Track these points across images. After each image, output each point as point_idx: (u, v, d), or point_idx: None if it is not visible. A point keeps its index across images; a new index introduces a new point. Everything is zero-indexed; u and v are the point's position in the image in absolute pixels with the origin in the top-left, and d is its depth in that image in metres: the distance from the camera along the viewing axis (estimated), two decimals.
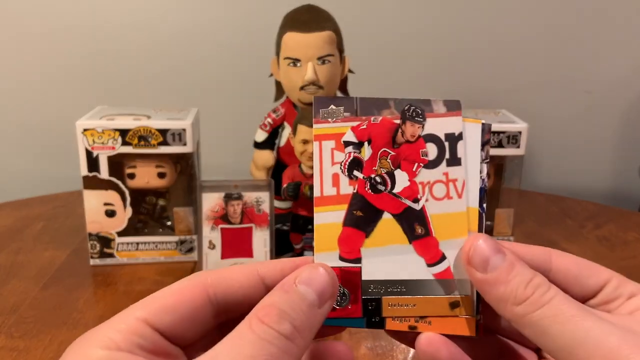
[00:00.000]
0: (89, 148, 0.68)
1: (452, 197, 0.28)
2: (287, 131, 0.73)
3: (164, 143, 0.69)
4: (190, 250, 0.73)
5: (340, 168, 0.28)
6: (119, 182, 0.70)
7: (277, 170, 0.73)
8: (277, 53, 0.69)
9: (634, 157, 1.14)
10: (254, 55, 0.96)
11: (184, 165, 0.72)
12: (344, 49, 0.71)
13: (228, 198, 0.66)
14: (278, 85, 0.73)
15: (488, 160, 0.28)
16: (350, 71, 0.73)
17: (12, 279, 0.67)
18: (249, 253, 0.67)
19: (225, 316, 0.26)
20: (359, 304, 0.27)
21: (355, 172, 0.28)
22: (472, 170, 0.28)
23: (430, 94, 1.04)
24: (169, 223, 0.76)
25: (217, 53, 1.04)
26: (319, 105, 0.28)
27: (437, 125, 0.28)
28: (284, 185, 0.68)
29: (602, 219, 0.89)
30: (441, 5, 1.04)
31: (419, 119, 0.28)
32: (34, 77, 1.03)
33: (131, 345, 0.22)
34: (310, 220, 0.69)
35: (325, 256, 0.27)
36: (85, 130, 0.67)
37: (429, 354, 0.26)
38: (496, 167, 0.75)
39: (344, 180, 0.28)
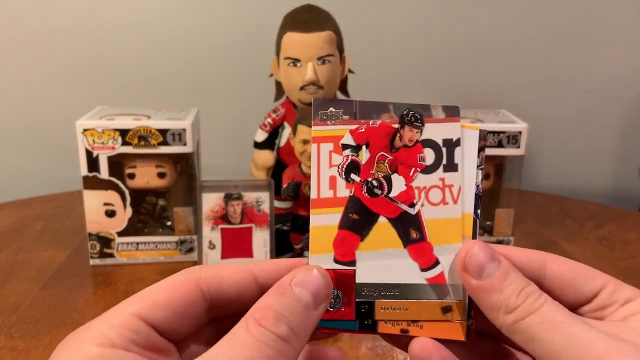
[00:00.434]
0: (89, 148, 0.68)
1: (447, 203, 0.28)
2: (287, 131, 0.73)
3: (164, 143, 0.69)
4: (190, 250, 0.73)
5: (338, 171, 0.28)
6: (119, 182, 0.70)
7: (277, 170, 0.73)
8: (277, 53, 0.69)
9: (634, 157, 1.14)
10: (254, 55, 0.96)
11: (184, 165, 0.72)
12: (344, 49, 0.71)
13: (228, 198, 0.66)
14: (278, 85, 0.73)
15: (483, 166, 0.28)
16: (350, 71, 0.73)
17: (12, 279, 0.67)
18: (249, 253, 0.67)
19: (218, 312, 0.26)
20: (352, 306, 0.27)
21: (353, 175, 0.28)
22: (468, 176, 0.28)
23: (430, 94, 1.05)
24: (169, 223, 0.76)
25: (217, 53, 1.04)
26: (318, 107, 0.28)
27: (436, 130, 0.28)
28: (284, 185, 0.68)
29: (602, 219, 0.89)
30: (441, 5, 1.04)
31: (417, 124, 0.28)
32: (34, 77, 1.03)
33: (125, 340, 0.22)
34: None
35: (320, 258, 0.27)
36: (85, 130, 0.67)
37: (421, 358, 0.27)
38: (496, 167, 0.75)
39: (341, 182, 0.28)
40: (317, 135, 0.28)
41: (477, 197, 0.28)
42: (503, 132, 0.71)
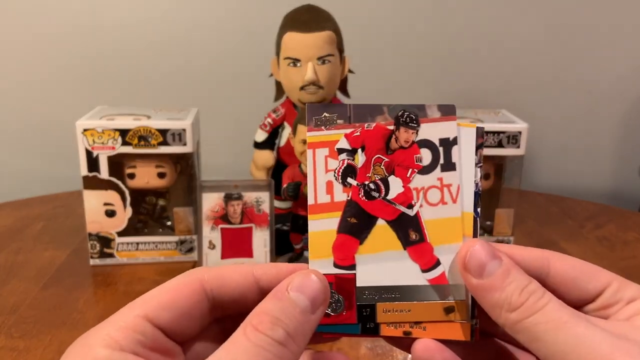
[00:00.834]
0: (89, 148, 0.68)
1: (446, 202, 0.28)
2: (287, 131, 0.73)
3: (164, 143, 0.69)
4: (190, 250, 0.73)
5: (334, 175, 0.28)
6: (119, 182, 0.70)
7: (277, 170, 0.73)
8: (277, 53, 0.69)
9: (634, 157, 1.14)
10: (254, 55, 0.96)
11: (184, 165, 0.72)
12: (344, 49, 0.71)
13: (228, 198, 0.66)
14: (278, 85, 0.73)
15: (481, 164, 0.28)
16: (350, 71, 0.73)
17: (12, 279, 0.67)
18: (249, 253, 0.67)
19: (221, 312, 0.26)
20: (354, 310, 0.27)
21: (349, 179, 0.28)
22: (466, 174, 0.28)
23: (430, 94, 1.05)
24: (169, 223, 0.76)
25: (217, 53, 1.04)
26: (311, 113, 0.28)
27: (432, 130, 0.28)
28: (284, 185, 0.68)
29: (602, 219, 0.89)
30: (441, 5, 1.04)
31: (412, 125, 0.28)
32: (34, 77, 1.03)
33: (132, 342, 0.23)
34: None
35: (319, 263, 0.27)
36: (85, 130, 0.67)
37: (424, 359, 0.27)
38: (496, 167, 0.75)
39: (337, 187, 0.28)
40: (312, 141, 0.28)
41: (477, 195, 0.28)
42: (503, 132, 0.71)
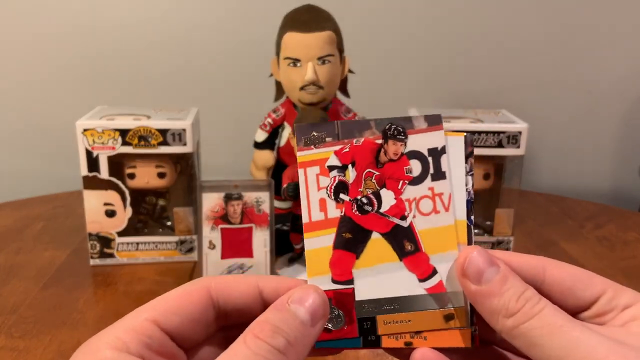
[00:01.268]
0: (89, 148, 0.68)
1: (439, 211, 0.28)
2: (287, 131, 0.73)
3: (164, 143, 0.69)
4: (190, 250, 0.73)
5: (327, 192, 0.28)
6: (119, 182, 0.70)
7: (277, 170, 0.73)
8: (277, 53, 0.69)
9: (634, 157, 1.14)
10: (254, 55, 0.96)
11: (184, 166, 0.72)
12: (344, 49, 0.71)
13: (228, 198, 0.66)
14: (278, 85, 0.73)
15: (472, 172, 0.28)
16: (350, 71, 0.73)
17: (12, 279, 0.67)
18: (249, 253, 0.67)
19: (226, 321, 0.27)
20: (355, 324, 0.27)
21: (342, 195, 0.28)
22: (457, 183, 0.28)
23: (430, 94, 1.05)
24: (169, 223, 0.76)
25: (217, 53, 1.04)
26: (300, 133, 0.28)
27: (419, 141, 0.28)
28: (284, 185, 0.68)
29: (602, 219, 0.89)
30: (441, 5, 1.04)
31: (400, 137, 0.28)
32: (34, 77, 1.03)
33: (139, 345, 0.23)
34: None
35: (318, 280, 0.28)
36: (85, 130, 0.67)
37: None
38: (496, 167, 0.75)
39: (331, 204, 0.28)
40: (303, 160, 0.28)
41: (469, 203, 0.28)
42: (503, 132, 0.71)
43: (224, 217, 0.66)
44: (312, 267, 0.28)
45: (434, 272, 0.28)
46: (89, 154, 0.68)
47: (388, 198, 0.28)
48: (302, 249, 0.71)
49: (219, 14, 1.02)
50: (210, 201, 0.66)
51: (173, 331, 0.25)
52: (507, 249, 0.74)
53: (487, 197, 0.75)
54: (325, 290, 0.26)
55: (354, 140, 0.28)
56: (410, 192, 0.28)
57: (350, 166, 0.28)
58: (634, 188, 1.15)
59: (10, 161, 1.07)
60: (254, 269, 0.67)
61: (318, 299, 0.25)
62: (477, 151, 0.71)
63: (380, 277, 0.28)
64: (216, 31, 1.03)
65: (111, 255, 0.72)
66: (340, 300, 0.27)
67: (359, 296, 0.28)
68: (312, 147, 0.28)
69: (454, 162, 0.28)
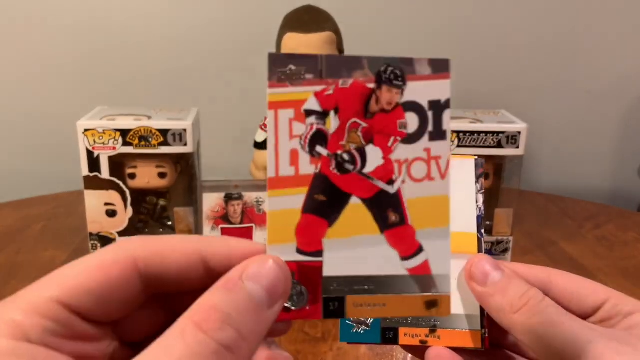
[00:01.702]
0: (90, 148, 0.68)
1: (433, 178, 0.24)
2: None
3: (165, 143, 0.69)
4: None
5: (300, 143, 0.23)
6: (120, 182, 0.70)
7: None
8: None
9: (634, 157, 1.14)
10: (254, 55, 0.96)
11: (185, 166, 0.72)
12: (344, 49, 0.71)
13: (228, 198, 0.66)
14: None
15: (483, 190, 0.29)
16: None
17: (12, 280, 0.67)
18: None
19: (159, 290, 0.23)
20: (319, 304, 0.23)
21: (319, 148, 0.23)
22: (468, 200, 0.29)
23: None
24: (169, 223, 0.76)
25: (217, 53, 1.04)
26: (274, 64, 0.23)
27: (420, 90, 0.23)
28: None
29: (602, 219, 0.89)
30: (441, 6, 1.04)
31: (397, 83, 0.23)
32: (34, 77, 1.03)
33: (42, 332, 0.19)
34: None
35: (280, 248, 0.23)
36: (86, 130, 0.67)
37: None
38: (495, 167, 0.75)
39: (304, 157, 0.23)
40: (274, 100, 0.23)
41: (480, 218, 0.29)
42: (502, 132, 0.71)
43: (225, 217, 0.66)
44: (274, 233, 0.23)
45: (420, 249, 0.24)
46: (89, 154, 0.68)
47: (374, 157, 0.24)
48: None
49: (219, 14, 1.02)
50: (211, 201, 0.66)
51: (85, 312, 0.20)
52: (507, 249, 0.75)
53: (486, 197, 0.75)
54: (287, 262, 0.22)
55: (340, 81, 0.23)
56: (402, 151, 0.24)
57: (332, 113, 0.23)
58: (633, 188, 1.15)
59: (10, 161, 1.07)
60: None
61: (278, 274, 0.21)
62: (477, 151, 0.71)
63: (355, 250, 0.24)
64: (216, 31, 1.03)
65: None
66: (305, 275, 0.23)
67: (328, 271, 0.23)
68: (287, 83, 0.23)
69: (465, 182, 0.29)
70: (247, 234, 0.67)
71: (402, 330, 0.28)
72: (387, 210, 0.24)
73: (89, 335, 0.21)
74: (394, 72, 0.23)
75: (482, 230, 0.29)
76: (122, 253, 0.21)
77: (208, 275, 0.22)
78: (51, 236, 0.80)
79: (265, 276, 0.21)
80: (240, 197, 0.66)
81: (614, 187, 1.15)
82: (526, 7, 1.04)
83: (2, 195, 1.00)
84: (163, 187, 0.73)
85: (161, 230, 0.75)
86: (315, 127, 0.23)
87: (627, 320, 0.26)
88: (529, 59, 1.07)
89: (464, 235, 0.29)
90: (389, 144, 0.24)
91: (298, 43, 0.66)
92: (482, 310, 0.28)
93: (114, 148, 0.68)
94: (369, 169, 0.24)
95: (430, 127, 0.24)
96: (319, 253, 0.24)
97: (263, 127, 0.74)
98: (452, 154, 0.26)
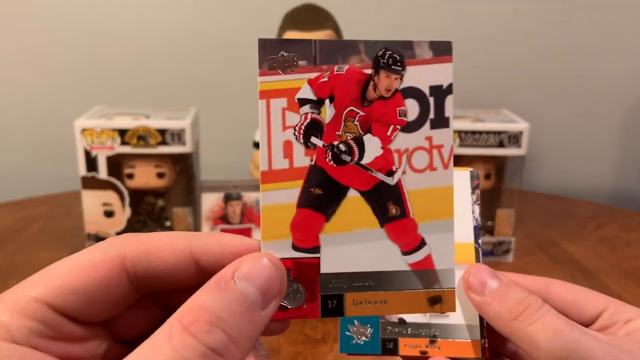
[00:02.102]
0: (88, 148, 0.67)
1: (435, 168, 0.23)
2: None
3: (163, 143, 0.68)
4: None
5: (294, 134, 0.22)
6: (118, 182, 0.69)
7: None
8: None
9: (636, 157, 1.13)
10: (254, 54, 0.96)
11: (183, 166, 0.72)
12: None
13: (227, 198, 0.66)
14: None
15: (479, 202, 0.29)
16: None
17: (10, 280, 0.67)
18: None
19: (150, 289, 0.22)
20: (317, 302, 0.22)
21: (314, 139, 0.22)
22: (464, 210, 0.28)
23: None
24: (168, 223, 0.75)
25: (216, 52, 1.03)
26: (265, 50, 0.22)
27: (421, 75, 0.22)
28: None
29: (604, 220, 0.88)
30: (441, 4, 1.03)
31: (396, 68, 0.22)
32: (32, 77, 1.03)
33: (28, 333, 0.19)
34: None
35: (274, 245, 0.22)
36: (83, 130, 0.67)
37: None
38: (497, 167, 0.75)
39: (298, 149, 0.22)
40: (266, 89, 0.22)
41: (476, 229, 0.29)
42: (504, 132, 0.71)
43: (224, 218, 0.66)
44: (268, 229, 0.22)
45: (422, 243, 0.23)
46: (87, 154, 0.67)
47: (373, 147, 0.23)
48: None
49: (219, 13, 1.02)
50: (210, 201, 0.65)
51: (72, 312, 0.20)
52: (508, 250, 0.74)
53: (488, 198, 0.75)
54: (282, 259, 0.21)
55: (336, 68, 0.22)
56: (402, 141, 0.23)
57: (327, 101, 0.22)
58: (636, 188, 1.14)
59: (8, 161, 1.07)
60: None
61: (273, 273, 0.20)
62: (478, 151, 0.71)
63: (354, 246, 0.23)
64: (216, 30, 1.03)
65: None
66: (302, 272, 0.22)
67: (326, 268, 0.22)
68: (279, 71, 0.22)
69: (461, 194, 0.28)
70: (246, 234, 0.66)
71: (402, 341, 0.27)
72: (387, 203, 0.23)
73: (77, 335, 0.20)
74: (392, 57, 0.22)
75: (480, 241, 0.29)
76: (109, 252, 0.21)
77: (200, 273, 0.21)
78: (49, 236, 0.79)
79: (259, 275, 0.20)
80: (239, 198, 0.66)
81: (617, 187, 1.15)
82: (528, 5, 1.04)
83: (0, 195, 0.99)
84: (161, 187, 0.73)
85: (160, 230, 0.74)
86: (309, 116, 0.22)
87: (627, 327, 0.26)
88: (531, 58, 1.07)
89: (462, 245, 0.28)
90: (388, 133, 0.23)
91: None
92: (481, 320, 0.28)
93: (112, 148, 0.68)
94: (367, 159, 0.23)
95: (431, 114, 0.23)
96: (316, 249, 0.23)
97: None
98: None
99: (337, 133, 0.22)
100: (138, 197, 0.73)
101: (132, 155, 0.69)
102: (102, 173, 0.68)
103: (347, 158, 0.23)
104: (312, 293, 0.22)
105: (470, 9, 1.04)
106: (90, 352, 0.21)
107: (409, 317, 0.28)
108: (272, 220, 0.22)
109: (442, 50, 0.22)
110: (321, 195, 0.22)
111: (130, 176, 0.70)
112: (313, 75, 0.22)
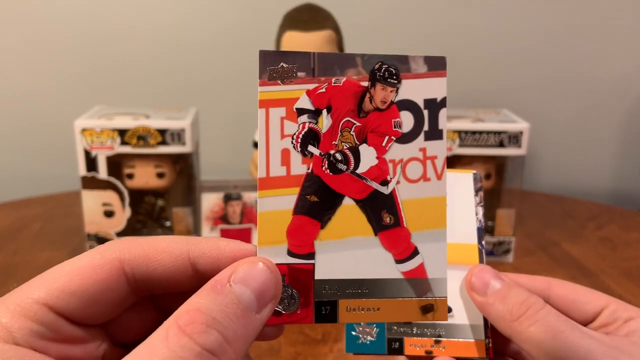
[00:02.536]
0: (88, 148, 0.67)
1: (429, 179, 0.23)
2: None
3: (163, 143, 0.68)
4: None
5: (292, 142, 0.23)
6: (118, 182, 0.69)
7: None
8: None
9: (637, 157, 1.13)
10: (254, 54, 0.96)
11: (183, 166, 0.72)
12: (344, 48, 0.70)
13: (227, 198, 0.65)
14: None
15: (482, 203, 0.29)
16: None
17: (9, 280, 0.67)
18: None
19: (148, 292, 0.23)
20: (311, 308, 0.23)
21: (310, 148, 0.23)
22: (468, 212, 0.29)
23: None
24: (168, 223, 0.75)
25: (216, 52, 1.03)
26: (265, 61, 0.23)
27: (415, 88, 0.23)
28: None
29: (604, 220, 0.88)
30: (441, 4, 1.03)
31: (392, 81, 0.23)
32: (32, 77, 1.03)
33: (29, 334, 0.19)
34: None
35: (270, 250, 0.23)
36: (83, 130, 0.67)
37: None
38: (497, 167, 0.75)
39: (296, 157, 0.23)
40: (265, 98, 0.23)
41: (480, 230, 0.29)
42: (504, 132, 0.71)
43: (224, 218, 0.66)
44: (264, 234, 0.23)
45: (415, 252, 0.23)
46: (87, 153, 0.67)
47: (368, 156, 0.23)
48: None
49: (219, 13, 1.02)
50: (210, 201, 0.65)
51: (71, 314, 0.20)
52: (508, 250, 0.74)
53: (488, 198, 0.74)
54: (278, 265, 0.22)
55: (333, 80, 0.23)
56: (396, 151, 0.23)
57: (325, 112, 0.23)
58: (636, 188, 1.14)
59: (7, 161, 1.07)
60: None
61: (268, 277, 0.21)
62: (478, 151, 0.71)
63: (348, 253, 0.23)
64: (216, 30, 1.02)
65: None
66: (297, 278, 0.23)
67: (320, 274, 0.23)
68: (279, 81, 0.22)
69: (465, 195, 0.29)
70: (246, 234, 0.66)
71: (407, 341, 0.28)
72: (382, 212, 0.23)
73: (76, 337, 0.20)
74: (388, 70, 0.23)
75: (483, 242, 0.29)
76: (108, 255, 0.21)
77: (197, 276, 0.22)
78: (49, 237, 0.79)
79: (255, 279, 0.20)
80: (239, 197, 0.66)
81: (617, 187, 1.15)
82: (528, 5, 1.04)
83: (0, 195, 0.99)
84: (161, 187, 0.73)
85: (160, 230, 0.74)
86: (307, 126, 0.23)
87: (627, 326, 0.27)
88: (531, 57, 1.07)
89: (465, 246, 0.29)
90: (383, 144, 0.23)
91: (298, 42, 0.66)
92: (485, 320, 0.28)
93: (112, 148, 0.68)
94: (362, 169, 0.23)
95: (426, 126, 0.23)
96: (311, 255, 0.23)
97: None
98: (452, 169, 0.27)
99: (333, 142, 0.23)
100: (138, 197, 0.73)
101: (132, 155, 0.69)
102: (102, 173, 0.68)
103: (343, 167, 0.23)
104: (306, 299, 0.23)
105: (471, 7, 1.04)
106: (89, 354, 0.21)
107: None
108: (268, 226, 0.23)
109: (436, 65, 0.23)
110: (317, 203, 0.23)
111: (130, 176, 0.70)
112: (311, 86, 0.23)
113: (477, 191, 0.29)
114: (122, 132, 0.67)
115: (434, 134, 0.23)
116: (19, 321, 0.19)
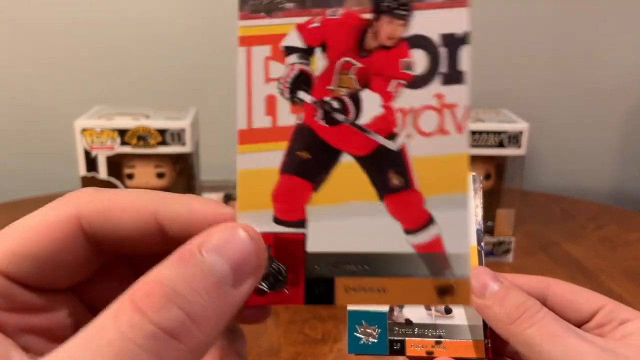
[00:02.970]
0: (88, 148, 0.67)
1: (447, 132, 0.19)
2: None
3: (163, 143, 0.68)
4: None
5: (279, 87, 0.19)
6: (118, 183, 0.69)
7: None
8: None
9: (637, 157, 1.13)
10: None
11: (183, 166, 0.72)
12: None
13: (228, 198, 0.65)
14: None
15: (482, 205, 0.30)
16: None
17: None
18: None
19: (116, 253, 0.20)
20: (301, 286, 0.19)
21: (301, 94, 0.19)
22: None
23: None
24: None
25: (216, 52, 1.03)
26: None
27: (430, 21, 0.19)
28: None
29: (605, 220, 0.88)
30: None
31: (400, 12, 0.19)
32: (32, 76, 1.03)
33: None
34: None
35: (252, 216, 0.19)
36: (83, 130, 0.67)
37: None
38: (497, 167, 0.75)
39: (283, 105, 0.19)
40: (246, 35, 0.19)
41: (479, 232, 0.29)
42: (504, 132, 0.71)
43: None
44: (245, 197, 0.19)
45: (429, 221, 0.19)
46: (87, 154, 0.67)
47: (371, 104, 0.19)
48: None
49: (219, 13, 1.02)
50: None
51: (27, 279, 0.18)
52: (508, 250, 0.74)
53: (488, 198, 0.75)
54: (262, 233, 0.18)
55: (329, 11, 0.19)
56: (406, 98, 0.19)
57: (319, 50, 0.19)
58: (636, 188, 1.14)
59: (7, 161, 1.07)
60: None
61: (249, 246, 0.17)
62: (478, 151, 0.71)
63: (347, 221, 0.19)
64: (216, 30, 1.02)
65: None
66: (284, 250, 0.19)
67: (313, 246, 0.19)
68: (262, 14, 0.19)
69: None
70: None
71: (409, 342, 0.28)
72: (388, 172, 0.19)
73: (37, 305, 0.18)
74: None
75: (482, 244, 0.29)
76: (63, 211, 0.18)
77: (167, 241, 0.18)
78: None
79: (231, 247, 0.17)
80: None
81: (617, 187, 1.15)
82: (528, 5, 1.04)
83: (0, 195, 0.99)
84: (162, 187, 0.73)
85: None
86: (297, 67, 0.19)
87: (622, 328, 0.27)
88: (530, 57, 1.07)
89: None
90: (390, 89, 0.19)
91: None
92: (484, 320, 0.29)
93: (112, 148, 0.68)
94: (364, 119, 0.19)
95: (443, 68, 0.20)
96: (302, 223, 0.19)
97: None
98: None
99: (329, 87, 0.19)
100: None
101: (132, 156, 0.69)
102: (102, 173, 0.68)
103: (340, 117, 0.19)
104: (296, 275, 0.19)
105: (470, 8, 1.04)
106: (57, 323, 0.18)
107: (415, 318, 0.28)
108: (250, 188, 0.19)
109: None
110: (309, 160, 0.19)
111: (130, 176, 0.70)
112: (302, 19, 0.19)
113: (475, 193, 0.30)
114: (122, 132, 0.67)
115: (454, 77, 0.20)
116: None
